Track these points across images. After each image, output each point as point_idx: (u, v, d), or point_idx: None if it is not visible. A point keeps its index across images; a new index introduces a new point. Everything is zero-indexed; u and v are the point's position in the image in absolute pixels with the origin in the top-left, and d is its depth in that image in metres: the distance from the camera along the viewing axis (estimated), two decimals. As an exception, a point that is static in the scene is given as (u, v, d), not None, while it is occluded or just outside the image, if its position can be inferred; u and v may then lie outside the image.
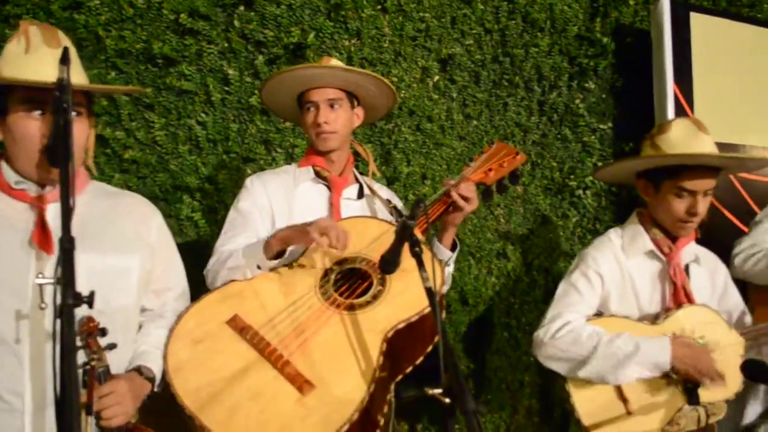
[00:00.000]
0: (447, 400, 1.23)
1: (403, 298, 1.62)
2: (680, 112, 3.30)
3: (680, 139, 1.87)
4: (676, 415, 1.77)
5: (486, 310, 3.32)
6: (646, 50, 3.47)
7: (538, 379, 3.36)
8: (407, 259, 1.51)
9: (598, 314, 1.90)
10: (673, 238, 1.94)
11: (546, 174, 3.43)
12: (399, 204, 2.14)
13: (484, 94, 3.32)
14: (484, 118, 3.32)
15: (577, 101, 3.46)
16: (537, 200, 3.41)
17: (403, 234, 1.46)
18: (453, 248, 1.99)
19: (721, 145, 3.38)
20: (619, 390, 1.79)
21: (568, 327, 1.81)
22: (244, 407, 1.47)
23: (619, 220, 3.55)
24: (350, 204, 2.02)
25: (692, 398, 1.75)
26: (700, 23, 3.44)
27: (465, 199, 1.86)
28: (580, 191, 3.45)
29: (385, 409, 1.64)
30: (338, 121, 2.04)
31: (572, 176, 3.45)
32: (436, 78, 3.26)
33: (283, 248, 1.74)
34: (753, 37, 3.62)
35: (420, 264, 1.39)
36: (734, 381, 1.78)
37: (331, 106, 2.03)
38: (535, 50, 3.40)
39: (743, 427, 1.37)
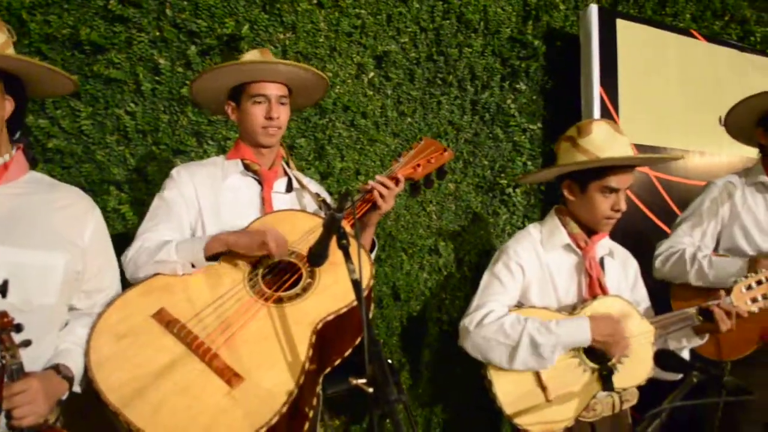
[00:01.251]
0: (370, 390, 1.24)
1: (333, 291, 1.63)
2: (606, 114, 3.43)
3: (604, 141, 1.95)
4: (592, 402, 1.87)
5: (418, 306, 3.37)
6: (574, 54, 3.58)
7: (469, 373, 3.43)
8: (337, 252, 1.52)
9: (519, 305, 1.98)
10: (589, 233, 2.03)
11: (477, 172, 3.50)
12: (328, 198, 2.15)
13: (419, 92, 3.36)
14: (418, 115, 3.36)
15: (509, 101, 3.55)
16: (468, 198, 3.48)
17: (331, 227, 1.47)
18: (372, 248, 2.02)
19: (642, 147, 3.56)
20: (538, 379, 1.86)
21: (492, 316, 1.88)
22: (170, 402, 1.45)
23: (547, 218, 3.68)
24: (280, 197, 2.01)
25: (607, 385, 1.84)
26: (626, 30, 3.57)
27: (381, 195, 1.88)
28: (511, 189, 3.53)
29: (314, 401, 1.65)
30: (284, 117, 2.04)
31: (503, 175, 3.54)
32: (371, 74, 3.27)
33: (225, 251, 1.72)
34: (675, 45, 3.79)
35: (347, 257, 1.40)
36: (645, 368, 1.89)
37: (281, 102, 2.03)
38: (469, 50, 3.46)
39: (649, 414, 1.45)
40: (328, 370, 1.71)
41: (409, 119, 3.34)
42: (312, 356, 1.54)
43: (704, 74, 3.84)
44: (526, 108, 3.63)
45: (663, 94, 3.67)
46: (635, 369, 1.89)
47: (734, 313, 1.93)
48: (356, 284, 1.36)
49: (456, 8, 3.43)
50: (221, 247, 1.70)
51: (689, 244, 2.39)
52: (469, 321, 1.91)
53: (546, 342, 1.82)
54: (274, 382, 1.49)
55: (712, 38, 4.03)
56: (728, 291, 1.97)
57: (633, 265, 2.20)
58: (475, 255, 3.49)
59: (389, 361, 3.27)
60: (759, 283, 1.99)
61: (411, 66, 3.34)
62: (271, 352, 1.53)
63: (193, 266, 1.69)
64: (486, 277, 2.03)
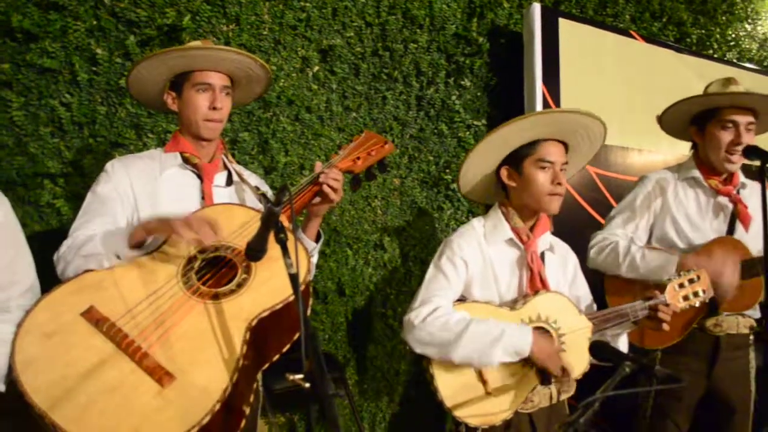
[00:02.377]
0: (307, 385, 1.24)
1: (269, 286, 1.61)
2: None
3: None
4: (530, 393, 1.90)
5: (363, 301, 3.37)
6: (518, 51, 3.63)
7: (414, 368, 3.46)
8: (275, 247, 1.50)
9: (462, 299, 1.99)
10: (532, 227, 2.05)
11: (422, 167, 3.52)
12: (268, 191, 2.12)
13: (364, 86, 3.36)
14: (363, 110, 3.36)
15: (453, 97, 3.57)
16: (413, 193, 3.49)
17: (268, 221, 1.45)
18: (317, 239, 2.00)
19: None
20: (479, 372, 1.88)
21: (438, 312, 1.88)
22: (99, 403, 1.41)
23: (491, 213, 3.73)
24: (219, 191, 1.98)
25: (544, 379, 1.88)
26: (567, 29, 3.64)
27: (332, 188, 1.88)
28: (455, 185, 3.56)
29: (251, 398, 1.63)
30: (227, 109, 2.00)
31: (447, 170, 3.56)
32: (316, 68, 3.25)
33: (145, 238, 1.68)
34: (615, 45, 3.88)
35: (284, 251, 1.39)
36: (582, 362, 1.93)
37: (225, 92, 1.99)
38: (414, 46, 3.47)
39: (582, 404, 1.49)
40: (266, 366, 1.70)
41: (354, 114, 3.33)
42: (247, 353, 1.52)
43: (642, 74, 3.95)
44: (471, 104, 3.66)
45: (603, 92, 3.76)
46: (573, 363, 1.93)
47: (674, 308, 2.01)
48: (293, 278, 1.34)
49: (402, 4, 3.44)
50: (139, 233, 1.65)
51: (622, 236, 2.44)
52: (414, 316, 1.91)
53: (488, 343, 1.83)
54: (207, 380, 1.46)
55: (650, 39, 4.14)
56: (661, 288, 2.04)
57: (572, 260, 2.24)
58: (420, 250, 3.51)
59: (335, 356, 3.26)
60: (691, 281, 2.06)
61: (356, 60, 3.33)
62: (205, 350, 1.50)
63: (118, 257, 1.64)
64: (430, 271, 2.03)
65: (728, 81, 2.40)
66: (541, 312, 1.94)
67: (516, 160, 2.03)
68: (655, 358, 2.38)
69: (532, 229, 2.06)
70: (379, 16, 3.39)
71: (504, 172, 2.07)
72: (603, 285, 2.52)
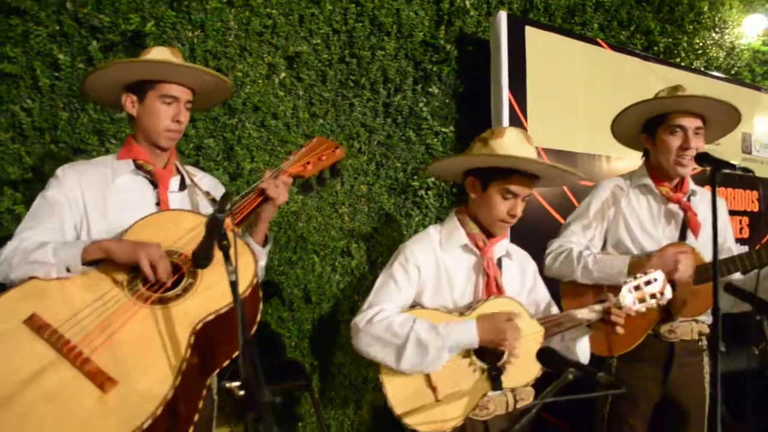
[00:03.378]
0: (241, 393, 1.23)
1: (214, 290, 1.61)
2: (514, 118, 3.51)
3: (513, 145, 1.99)
4: (484, 400, 1.90)
5: (330, 308, 3.36)
6: (486, 59, 3.66)
7: (382, 374, 3.45)
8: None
9: (414, 306, 1.99)
10: (488, 234, 2.06)
11: (390, 174, 3.53)
12: (223, 191, 2.11)
13: (331, 93, 3.37)
14: (330, 117, 3.36)
15: (421, 104, 3.59)
16: (381, 199, 3.50)
17: (212, 227, 1.45)
18: (265, 243, 1.99)
19: (549, 151, 3.66)
20: (428, 379, 1.87)
21: (382, 314, 1.88)
22: (38, 410, 1.40)
23: (460, 219, 3.74)
24: (173, 197, 1.97)
25: (495, 384, 1.88)
26: (534, 37, 3.67)
27: (273, 194, 1.87)
28: (423, 191, 3.57)
29: (200, 404, 1.62)
30: (186, 121, 2.01)
31: (415, 177, 3.58)
32: (283, 75, 3.25)
33: (101, 258, 1.67)
34: (582, 53, 3.92)
35: (226, 259, 1.38)
36: (534, 367, 1.93)
37: (188, 106, 1.99)
38: (382, 53, 3.48)
39: (521, 409, 1.49)
40: (215, 372, 1.69)
41: (321, 121, 3.34)
42: (191, 357, 1.51)
43: (610, 82, 3.99)
44: (439, 111, 3.68)
45: (570, 100, 3.79)
46: (525, 368, 1.92)
47: (624, 313, 1.99)
48: (233, 286, 1.34)
49: (369, 11, 3.45)
50: (98, 252, 1.65)
51: (577, 243, 2.44)
52: (360, 319, 1.91)
53: (433, 343, 1.83)
54: (149, 384, 1.45)
55: (618, 47, 4.19)
56: (616, 291, 2.04)
57: (532, 267, 2.24)
58: (387, 257, 3.47)
59: (302, 364, 3.25)
60: (648, 283, 2.04)
61: (323, 67, 3.34)
62: (149, 355, 1.50)
63: (68, 270, 1.63)
64: (381, 276, 2.03)
65: (675, 88, 2.43)
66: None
67: (486, 176, 2.03)
68: (611, 365, 2.39)
69: (488, 235, 2.07)
70: (347, 23, 3.40)
71: (469, 181, 2.08)
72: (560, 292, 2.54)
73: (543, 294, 2.21)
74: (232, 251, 1.41)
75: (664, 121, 2.40)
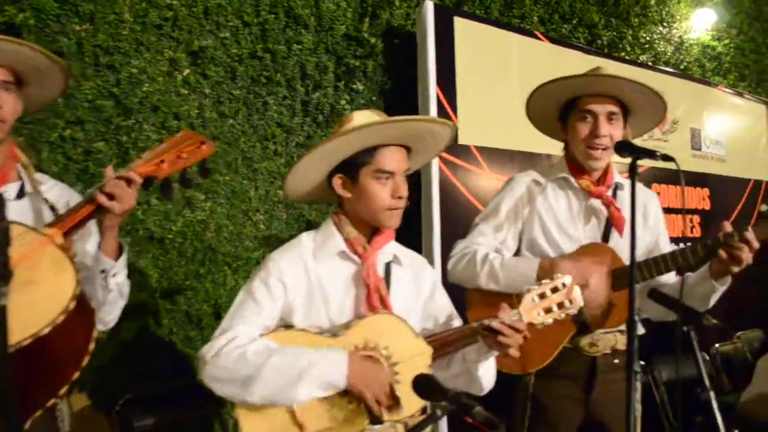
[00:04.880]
0: None
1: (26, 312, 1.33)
2: (443, 114, 3.28)
3: (364, 121, 1.71)
4: (369, 434, 1.60)
5: (246, 324, 3.08)
6: (414, 53, 3.42)
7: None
8: (36, 268, 1.28)
9: (286, 327, 1.69)
10: (370, 238, 1.79)
11: (311, 177, 3.26)
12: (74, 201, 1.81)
13: (242, 91, 3.09)
14: (241, 116, 3.09)
15: (344, 102, 3.34)
16: (301, 205, 3.24)
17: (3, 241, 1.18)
18: (119, 254, 1.70)
19: (483, 149, 3.43)
20: (293, 414, 1.58)
21: (234, 342, 1.57)
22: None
23: (391, 225, 3.48)
24: (10, 205, 1.67)
25: (375, 417, 1.59)
26: (464, 29, 3.45)
27: (111, 197, 1.59)
28: (348, 196, 3.32)
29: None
30: (8, 107, 1.70)
31: (340, 180, 3.32)
32: (186, 72, 2.98)
33: None
34: (518, 46, 3.71)
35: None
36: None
37: (5, 88, 1.70)
38: (299, 47, 3.23)
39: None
40: (38, 411, 1.42)
41: (231, 121, 3.06)
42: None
43: (548, 76, 3.73)
44: (365, 109, 3.41)
45: (504, 94, 3.57)
46: (410, 396, 1.53)
47: (523, 327, 1.69)
48: (1, 311, 1.07)
49: (284, 2, 3.20)
50: None
51: (485, 244, 2.17)
52: (208, 349, 1.59)
53: (292, 372, 1.53)
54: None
55: (557, 40, 3.99)
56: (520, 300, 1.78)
57: (429, 273, 1.95)
58: (310, 267, 3.25)
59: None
60: (555, 290, 1.76)
61: (232, 63, 3.07)
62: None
63: None
64: (240, 294, 1.71)
65: (593, 70, 2.19)
66: (368, 337, 1.64)
67: (351, 168, 1.73)
68: (528, 383, 2.12)
69: (370, 239, 1.79)
70: (259, 15, 3.14)
71: (337, 181, 1.76)
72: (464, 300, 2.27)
73: (443, 305, 1.91)
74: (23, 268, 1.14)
75: (574, 107, 2.15)
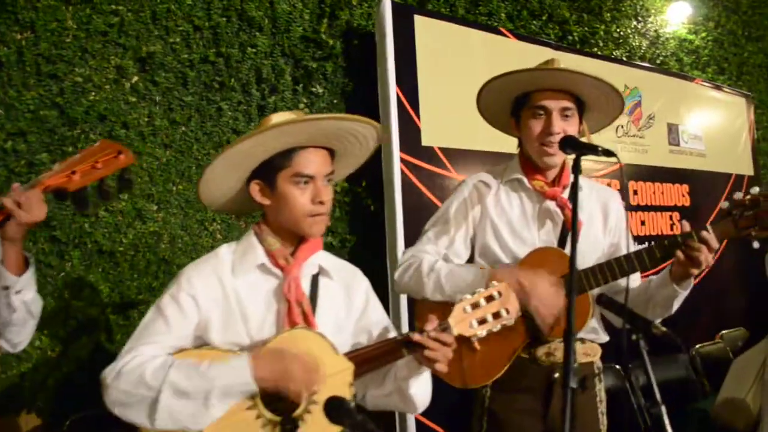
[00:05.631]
0: None
1: None
2: (404, 115, 3.19)
3: (277, 122, 1.61)
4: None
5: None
6: (375, 53, 3.33)
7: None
8: None
9: (199, 346, 1.58)
10: (295, 249, 1.67)
11: (270, 184, 3.16)
12: None
13: (194, 97, 3.00)
14: (194, 123, 2.99)
15: (302, 106, 3.24)
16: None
17: None
18: (25, 269, 1.60)
19: (446, 150, 3.33)
20: None
21: (135, 362, 1.47)
22: None
23: (357, 232, 3.39)
24: None
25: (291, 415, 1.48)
26: (425, 27, 3.36)
27: (20, 205, 1.49)
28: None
29: None
30: None
31: (301, 186, 3.22)
32: (135, 79, 2.88)
33: None
34: (482, 43, 3.61)
35: None
36: None
37: None
38: (253, 51, 3.13)
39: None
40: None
41: (183, 128, 2.96)
42: None
43: (515, 74, 3.68)
44: (326, 113, 3.33)
45: (470, 95, 3.44)
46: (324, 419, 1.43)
47: (449, 339, 1.55)
48: None
49: (237, 5, 3.10)
50: None
51: (432, 252, 2.04)
52: (109, 371, 1.48)
53: (195, 390, 1.42)
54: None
55: (524, 37, 3.90)
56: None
57: (362, 285, 1.80)
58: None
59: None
60: (490, 299, 1.62)
61: (183, 69, 2.97)
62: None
63: None
64: (150, 312, 1.60)
65: (546, 63, 2.08)
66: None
67: (268, 173, 1.61)
68: (485, 396, 1.99)
69: (296, 250, 1.66)
70: (210, 19, 3.05)
71: (255, 188, 1.64)
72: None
73: (377, 318, 1.79)
74: None
75: (526, 103, 2.04)
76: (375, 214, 3.36)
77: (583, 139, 1.92)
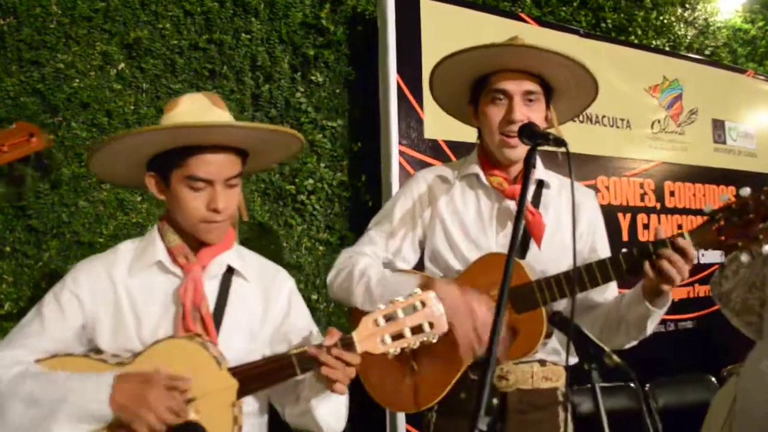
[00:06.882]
0: None
1: None
2: (406, 105, 2.99)
3: (188, 112, 1.45)
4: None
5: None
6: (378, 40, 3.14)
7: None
8: None
9: (90, 353, 1.43)
10: (198, 246, 1.50)
11: (263, 177, 3.02)
12: None
13: (183, 84, 2.88)
14: (182, 112, 2.88)
15: (299, 95, 3.08)
16: (253, 207, 2.99)
17: None
18: None
19: (451, 143, 3.10)
20: None
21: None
22: None
23: (356, 229, 3.21)
24: None
25: None
26: (433, 12, 3.15)
27: None
28: (304, 197, 3.06)
29: None
30: None
31: (296, 179, 3.07)
32: (121, 66, 2.79)
33: None
34: (498, 29, 3.36)
35: None
36: None
37: None
38: (248, 37, 3.00)
39: None
40: None
41: (170, 117, 2.85)
42: None
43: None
44: (327, 103, 3.17)
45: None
46: None
47: (350, 357, 1.36)
48: None
49: (232, -11, 2.98)
50: None
51: (371, 254, 1.81)
52: None
53: (48, 400, 1.27)
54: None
55: (548, 24, 3.63)
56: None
57: (284, 288, 1.63)
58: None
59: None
60: (411, 310, 1.39)
61: (172, 55, 2.86)
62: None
63: None
64: (30, 311, 1.45)
65: (509, 40, 1.84)
66: (159, 368, 1.33)
67: (162, 167, 1.46)
68: (430, 420, 1.74)
69: (199, 248, 1.50)
70: (203, 5, 2.93)
71: (150, 181, 1.50)
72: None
73: (300, 325, 1.59)
74: None
75: (485, 86, 1.79)
76: (374, 210, 3.16)
77: (552, 130, 1.65)
